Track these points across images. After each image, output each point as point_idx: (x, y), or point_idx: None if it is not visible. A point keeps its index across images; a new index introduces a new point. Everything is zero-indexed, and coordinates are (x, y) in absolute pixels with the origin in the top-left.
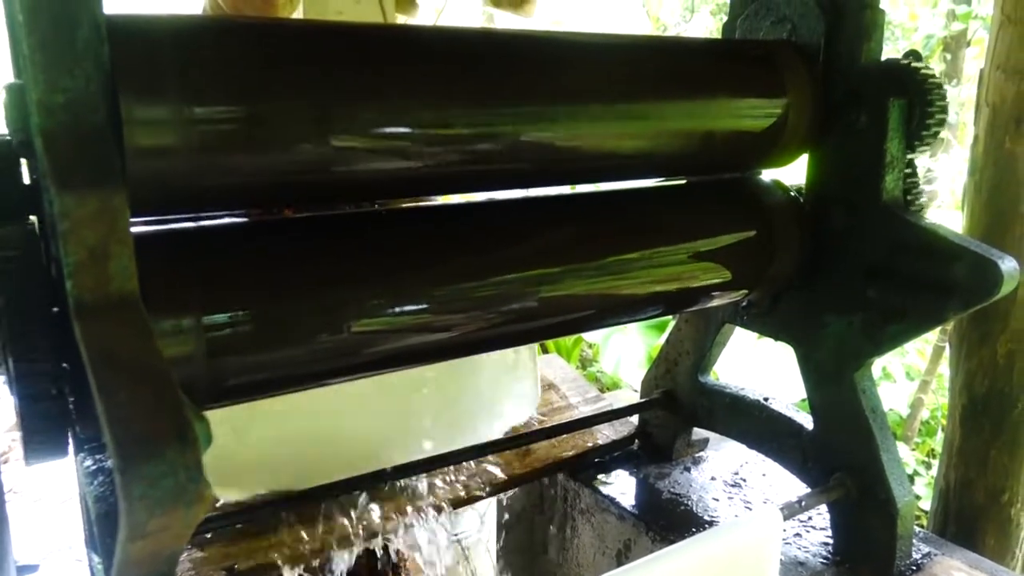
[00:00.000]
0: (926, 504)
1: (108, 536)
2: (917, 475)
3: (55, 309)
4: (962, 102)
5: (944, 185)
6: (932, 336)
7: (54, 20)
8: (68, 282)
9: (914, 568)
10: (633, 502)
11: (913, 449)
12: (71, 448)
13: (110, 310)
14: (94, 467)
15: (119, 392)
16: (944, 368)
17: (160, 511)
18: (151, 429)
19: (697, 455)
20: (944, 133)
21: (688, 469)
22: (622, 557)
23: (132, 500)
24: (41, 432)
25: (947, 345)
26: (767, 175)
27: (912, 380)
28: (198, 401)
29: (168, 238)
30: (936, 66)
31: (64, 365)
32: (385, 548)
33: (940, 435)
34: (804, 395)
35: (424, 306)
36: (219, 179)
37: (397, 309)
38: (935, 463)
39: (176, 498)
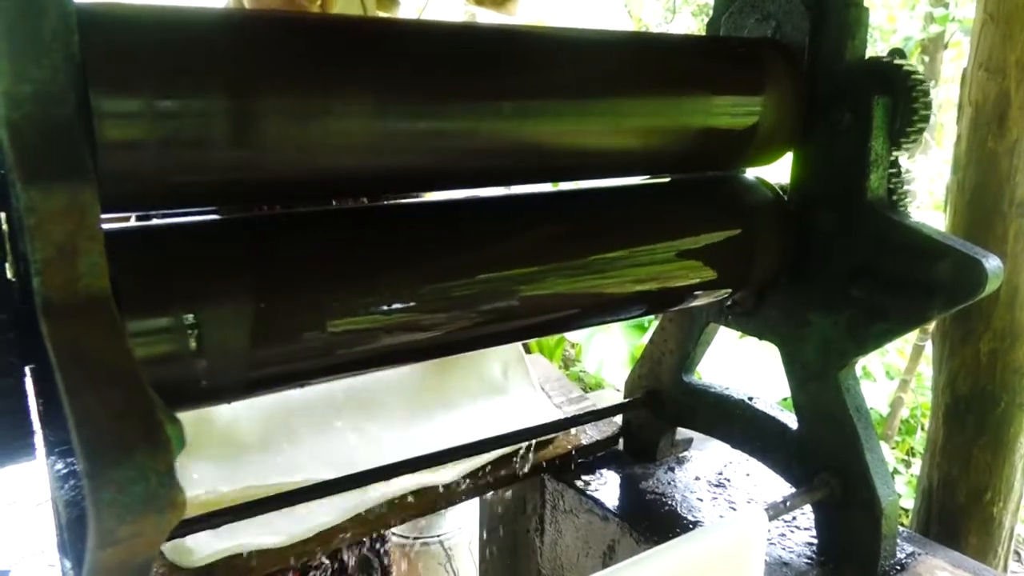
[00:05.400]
0: (906, 502)
1: (79, 542)
2: (897, 473)
3: (23, 306)
4: (940, 103)
5: (923, 186)
6: (912, 335)
7: (20, 8)
8: (36, 279)
9: (898, 568)
10: (617, 503)
11: (893, 448)
12: (43, 450)
13: (79, 309)
14: (65, 470)
15: (87, 393)
16: (924, 367)
17: (130, 517)
18: (120, 432)
19: (681, 455)
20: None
21: (672, 469)
22: (607, 558)
23: (101, 506)
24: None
25: (927, 344)
26: (753, 173)
27: (892, 379)
28: (181, 402)
29: (146, 234)
30: None
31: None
32: (371, 548)
33: (920, 434)
34: (787, 393)
35: (407, 304)
36: (194, 174)
37: (381, 308)
38: (915, 461)
39: (147, 504)
